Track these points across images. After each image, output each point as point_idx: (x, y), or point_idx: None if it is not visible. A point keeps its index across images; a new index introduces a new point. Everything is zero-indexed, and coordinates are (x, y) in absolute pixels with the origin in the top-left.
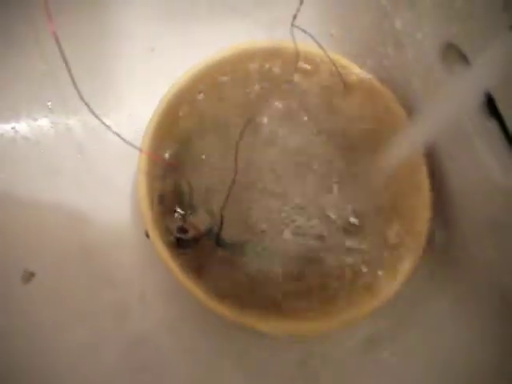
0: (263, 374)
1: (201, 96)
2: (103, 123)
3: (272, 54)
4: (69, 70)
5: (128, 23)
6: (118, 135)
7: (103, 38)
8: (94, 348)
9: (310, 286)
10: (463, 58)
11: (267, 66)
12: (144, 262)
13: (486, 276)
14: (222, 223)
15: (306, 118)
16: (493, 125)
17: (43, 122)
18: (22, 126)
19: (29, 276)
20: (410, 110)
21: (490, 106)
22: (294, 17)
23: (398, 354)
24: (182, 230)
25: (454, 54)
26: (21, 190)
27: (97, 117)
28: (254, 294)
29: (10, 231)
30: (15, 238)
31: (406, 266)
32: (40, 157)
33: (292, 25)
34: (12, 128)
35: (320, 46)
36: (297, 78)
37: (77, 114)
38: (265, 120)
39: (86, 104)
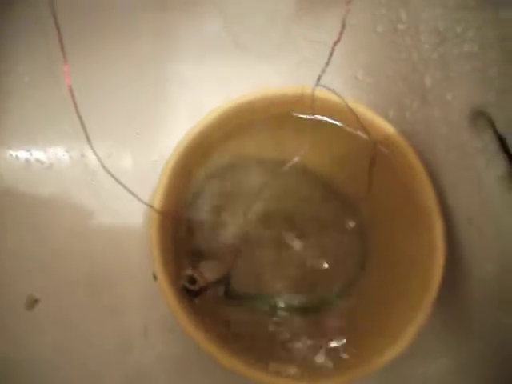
0: None
1: (220, 141)
2: (107, 171)
3: (293, 100)
4: (78, 114)
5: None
6: (123, 185)
7: (125, 61)
8: (94, 380)
9: (315, 343)
10: (492, 126)
11: (287, 113)
12: (148, 297)
13: (498, 342)
14: (230, 275)
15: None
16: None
17: (58, 147)
18: (37, 149)
19: (33, 302)
20: (429, 165)
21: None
22: (319, 78)
23: None
24: (191, 279)
25: (484, 121)
26: (30, 214)
27: (100, 160)
28: (258, 348)
29: (17, 255)
30: (22, 262)
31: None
32: (53, 181)
33: (316, 85)
34: (27, 151)
35: (346, 104)
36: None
37: (92, 141)
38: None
39: (92, 149)
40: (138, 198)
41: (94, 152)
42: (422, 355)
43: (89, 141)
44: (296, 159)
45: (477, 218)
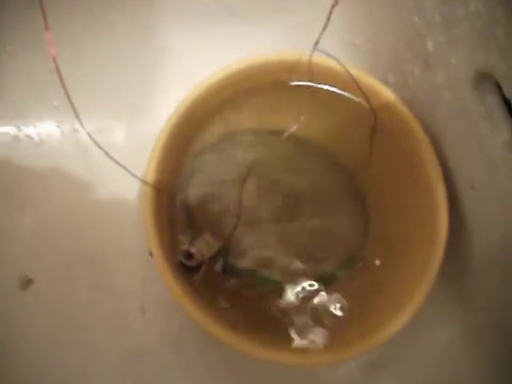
0: None
1: (213, 112)
2: (96, 143)
3: (290, 67)
4: (63, 85)
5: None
6: (114, 159)
7: (113, 32)
8: (91, 361)
9: (316, 318)
10: (498, 89)
11: (283, 80)
12: (145, 274)
13: (501, 313)
14: (228, 250)
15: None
16: None
17: (48, 121)
18: (27, 125)
19: (26, 282)
20: (432, 133)
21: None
22: (316, 42)
23: (398, 380)
24: (188, 255)
25: (489, 85)
26: (22, 192)
27: (89, 135)
28: (261, 325)
29: (10, 234)
30: (15, 241)
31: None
32: (44, 157)
33: (314, 50)
34: (16, 126)
35: (345, 70)
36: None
37: (83, 115)
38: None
39: (80, 123)
40: (129, 172)
41: (82, 125)
42: (424, 326)
43: (76, 114)
44: (294, 128)
45: (481, 186)
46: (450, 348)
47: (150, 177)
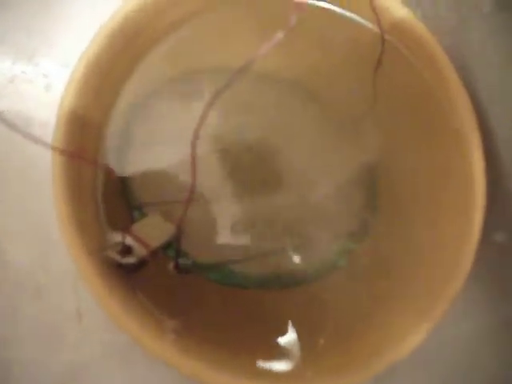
0: None
1: (149, 46)
2: None
3: None
4: None
5: None
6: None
7: None
8: None
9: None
10: None
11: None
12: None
13: None
14: (180, 239)
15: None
16: None
17: None
18: None
19: None
20: (462, 69)
21: None
22: None
23: None
24: (124, 249)
25: None
26: None
27: None
28: (231, 341)
29: None
30: None
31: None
32: None
33: None
34: None
35: None
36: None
37: None
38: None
39: None
40: (30, 137)
41: None
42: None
43: None
44: (267, 48)
45: None
46: (480, 341)
47: (61, 138)
